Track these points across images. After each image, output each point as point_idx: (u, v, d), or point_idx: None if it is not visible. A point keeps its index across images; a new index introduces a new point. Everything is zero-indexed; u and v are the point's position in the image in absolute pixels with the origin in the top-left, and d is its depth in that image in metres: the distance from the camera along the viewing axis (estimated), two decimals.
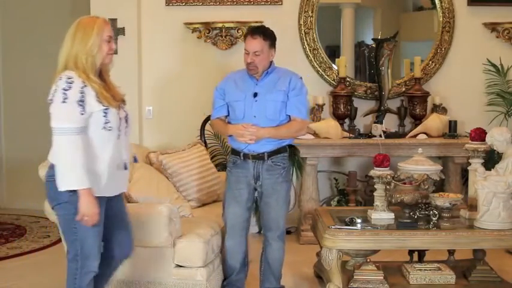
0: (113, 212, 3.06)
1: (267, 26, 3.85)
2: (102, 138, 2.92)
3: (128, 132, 3.10)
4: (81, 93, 2.85)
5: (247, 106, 3.68)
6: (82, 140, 2.83)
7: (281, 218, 3.79)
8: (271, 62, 3.74)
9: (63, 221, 2.99)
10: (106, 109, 2.91)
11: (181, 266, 3.65)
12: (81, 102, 2.84)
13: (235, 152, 3.77)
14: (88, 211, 2.85)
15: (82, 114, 2.84)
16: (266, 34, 3.68)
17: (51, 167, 2.92)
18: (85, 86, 2.87)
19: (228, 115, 3.80)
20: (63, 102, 2.82)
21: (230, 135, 3.77)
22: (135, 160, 3.13)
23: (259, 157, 3.69)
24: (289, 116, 3.71)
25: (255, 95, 3.67)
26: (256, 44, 3.64)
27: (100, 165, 2.92)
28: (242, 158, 3.72)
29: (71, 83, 2.84)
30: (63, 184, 2.84)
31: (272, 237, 3.80)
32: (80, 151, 2.82)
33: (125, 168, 3.08)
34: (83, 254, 2.97)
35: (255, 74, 3.70)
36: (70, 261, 3.02)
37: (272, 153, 3.71)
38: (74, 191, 2.84)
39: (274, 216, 3.77)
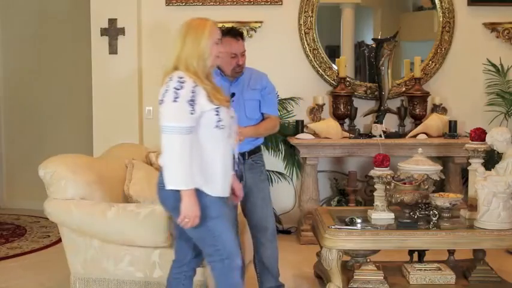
0: None
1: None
2: (215, 137, 2.90)
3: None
4: (192, 92, 2.82)
5: None
6: (190, 140, 2.81)
7: (270, 216, 3.80)
8: None
9: (194, 229, 2.92)
10: (217, 108, 2.88)
11: None
12: (192, 101, 2.81)
13: None
14: (191, 213, 2.83)
15: (192, 113, 2.81)
16: (242, 35, 3.75)
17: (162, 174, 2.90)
18: (196, 85, 2.84)
19: None
20: (174, 101, 2.79)
21: None
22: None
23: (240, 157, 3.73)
24: (263, 113, 3.78)
25: (233, 95, 3.69)
26: (241, 44, 3.68)
27: (216, 165, 2.91)
28: None
29: (182, 83, 2.82)
30: (170, 183, 2.82)
31: (264, 238, 3.79)
32: (187, 151, 2.79)
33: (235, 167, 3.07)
34: (226, 253, 2.95)
35: (235, 76, 3.72)
36: (216, 263, 2.98)
37: (251, 152, 3.76)
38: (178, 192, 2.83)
39: (262, 215, 3.78)
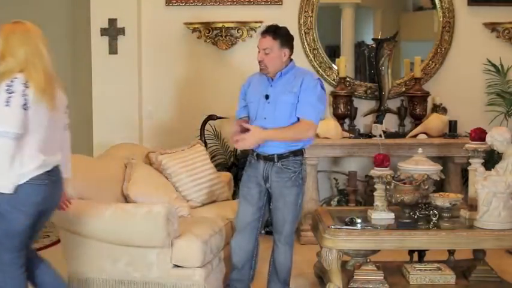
0: None
1: (281, 26, 3.73)
2: None
3: None
4: None
5: (260, 107, 3.64)
6: None
7: (288, 222, 3.70)
8: (289, 62, 3.69)
9: None
10: None
11: (179, 266, 3.64)
12: None
13: (251, 151, 3.76)
14: None
15: None
16: (277, 33, 3.62)
17: None
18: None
19: (249, 115, 3.77)
20: None
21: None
22: None
23: (269, 158, 3.64)
24: (298, 118, 3.60)
25: (267, 97, 3.62)
26: (265, 41, 3.60)
27: None
28: (256, 158, 3.71)
29: None
30: None
31: (278, 240, 3.76)
32: None
33: None
34: None
35: (267, 73, 3.65)
36: None
37: (283, 156, 3.62)
38: None
39: (280, 219, 3.71)
